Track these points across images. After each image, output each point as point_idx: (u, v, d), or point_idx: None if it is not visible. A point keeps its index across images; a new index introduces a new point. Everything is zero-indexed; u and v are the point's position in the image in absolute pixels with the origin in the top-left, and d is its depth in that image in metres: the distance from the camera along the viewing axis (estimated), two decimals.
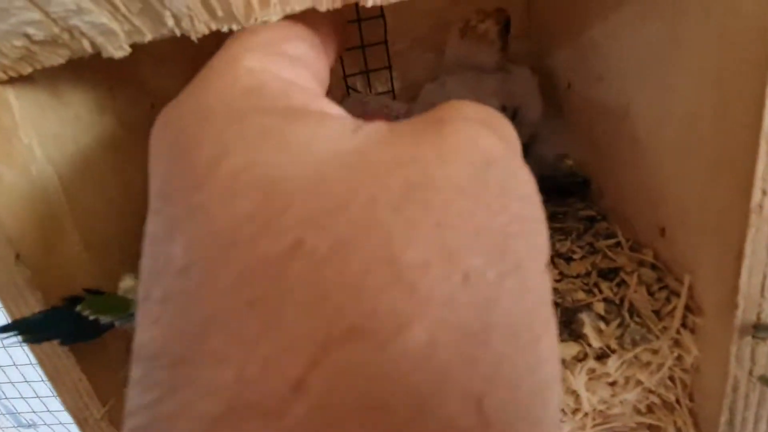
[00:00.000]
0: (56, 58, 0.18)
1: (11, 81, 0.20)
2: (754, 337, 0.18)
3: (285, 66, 0.12)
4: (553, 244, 0.27)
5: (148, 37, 0.17)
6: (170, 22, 0.16)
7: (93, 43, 0.17)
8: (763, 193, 0.15)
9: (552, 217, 0.30)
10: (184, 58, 0.34)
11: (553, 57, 0.37)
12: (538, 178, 0.33)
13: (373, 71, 0.44)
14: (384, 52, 0.43)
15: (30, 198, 0.21)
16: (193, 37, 0.17)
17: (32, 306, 0.21)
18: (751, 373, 0.18)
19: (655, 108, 0.22)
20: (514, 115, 0.30)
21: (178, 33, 0.17)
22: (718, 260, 0.18)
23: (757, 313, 0.17)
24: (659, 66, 0.21)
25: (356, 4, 0.45)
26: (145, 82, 0.29)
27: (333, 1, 0.17)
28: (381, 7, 0.41)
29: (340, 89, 0.44)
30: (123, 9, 0.15)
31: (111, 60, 0.27)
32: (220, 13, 0.16)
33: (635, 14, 0.22)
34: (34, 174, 0.21)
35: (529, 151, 0.32)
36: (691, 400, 0.22)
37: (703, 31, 0.17)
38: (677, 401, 0.22)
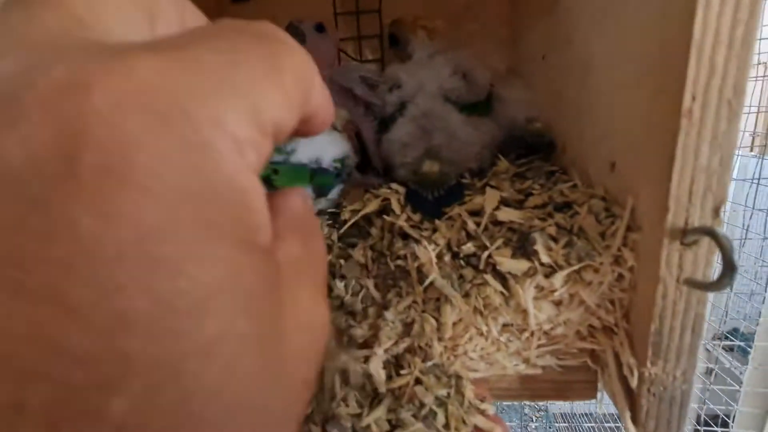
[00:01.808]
0: None
1: None
2: (681, 243, 0.19)
3: None
4: (515, 186, 0.29)
5: None
6: None
7: None
8: (693, 98, 0.17)
9: (517, 172, 0.32)
10: None
11: (532, 33, 0.40)
12: (508, 138, 0.35)
13: (364, 38, 0.46)
14: (377, 21, 0.45)
15: None
16: None
17: None
18: (678, 279, 0.20)
19: (613, 57, 0.25)
20: (464, 75, 0.33)
21: None
22: (656, 173, 0.20)
23: (685, 218, 0.19)
24: (616, 16, 0.24)
25: None
26: None
27: None
28: None
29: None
30: None
31: None
32: None
33: None
34: None
35: (495, 115, 0.35)
36: (628, 321, 0.23)
37: None
38: (616, 324, 0.24)
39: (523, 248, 0.24)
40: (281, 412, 0.09)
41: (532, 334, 0.24)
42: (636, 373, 0.22)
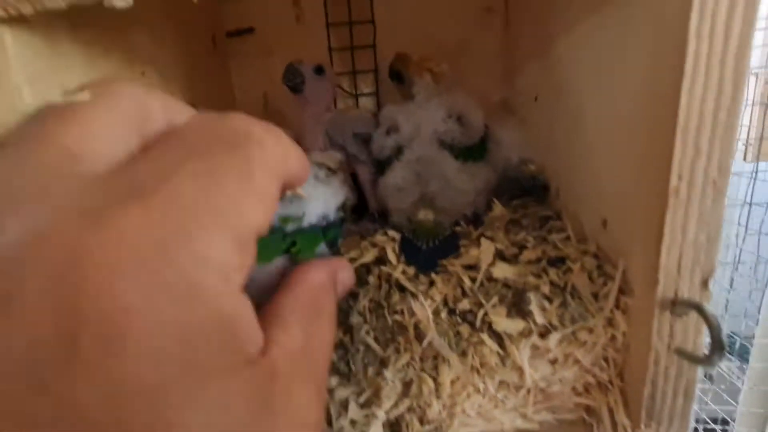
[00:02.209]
0: (58, 1, 0.19)
1: (9, 21, 0.21)
2: (672, 312, 0.20)
3: None
4: (509, 236, 0.29)
5: None
6: None
7: None
8: (679, 177, 0.18)
9: (512, 218, 0.32)
10: (175, 30, 0.35)
11: (524, 74, 0.40)
12: (503, 179, 0.36)
13: (360, 72, 0.46)
14: (371, 56, 0.46)
15: None
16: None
17: None
18: (669, 347, 0.20)
19: (603, 113, 0.25)
20: (458, 119, 0.33)
21: None
22: (646, 243, 0.20)
23: (675, 289, 0.19)
24: (608, 75, 0.24)
25: (349, 7, 0.47)
26: (137, 49, 0.31)
27: None
28: (372, 13, 0.44)
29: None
30: None
31: (106, 22, 0.28)
32: None
33: (593, 28, 0.25)
34: (19, 115, 0.21)
35: (490, 156, 0.35)
36: (622, 380, 0.24)
37: (639, 45, 0.20)
38: (610, 381, 0.24)
39: (518, 307, 0.24)
40: None
41: (528, 391, 0.25)
42: None
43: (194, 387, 0.09)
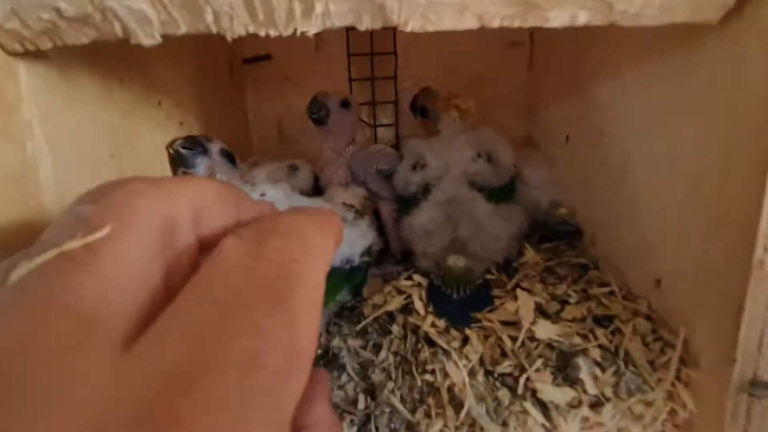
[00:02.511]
0: (81, 37, 0.17)
1: (25, 55, 0.19)
2: (750, 394, 0.18)
3: None
4: (547, 288, 0.28)
5: (183, 30, 0.17)
6: (209, 18, 0.16)
7: (125, 28, 0.17)
8: (765, 249, 0.16)
9: (546, 266, 0.30)
10: (194, 58, 0.34)
11: (551, 112, 0.39)
12: (532, 223, 0.34)
13: (379, 103, 0.45)
14: (392, 87, 0.44)
15: (19, 176, 0.19)
16: (229, 37, 0.17)
17: None
18: (745, 431, 0.18)
19: (658, 166, 0.23)
20: (489, 158, 0.31)
21: (214, 30, 0.17)
22: (717, 314, 0.18)
23: (754, 369, 0.17)
24: (665, 126, 0.23)
25: (371, 37, 0.46)
26: (155, 79, 0.29)
27: (373, 20, 0.17)
28: (394, 44, 0.43)
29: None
30: None
31: (124, 51, 0.27)
32: (261, 16, 0.17)
33: (645, 77, 0.24)
34: (29, 152, 0.20)
35: (518, 197, 0.33)
36: None
37: (710, 99, 0.19)
38: None
39: (565, 373, 0.22)
40: None
41: None
42: None
43: None
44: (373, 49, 0.43)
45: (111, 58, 0.25)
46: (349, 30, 0.42)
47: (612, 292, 0.26)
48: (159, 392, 0.07)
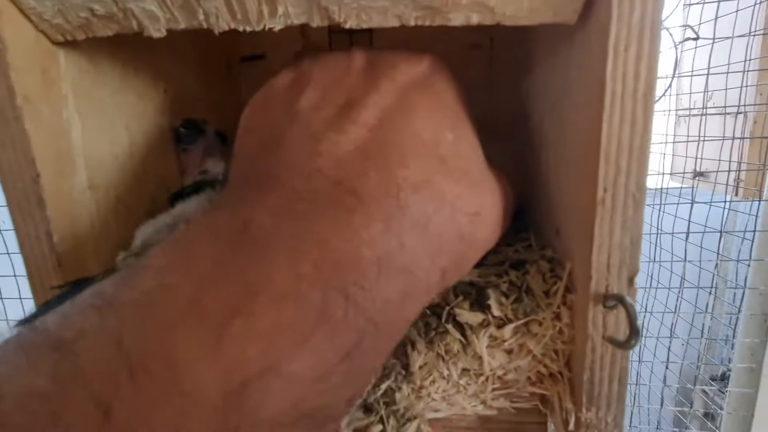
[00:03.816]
0: (107, 30, 0.24)
1: (64, 44, 0.25)
2: (603, 306, 0.23)
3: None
4: None
5: (182, 25, 0.23)
6: (201, 16, 0.23)
7: (139, 24, 0.23)
8: (605, 190, 0.22)
9: None
10: (196, 54, 0.40)
11: (502, 106, 0.45)
12: None
13: None
14: None
15: (57, 134, 0.25)
16: (216, 31, 0.23)
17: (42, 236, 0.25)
18: (603, 336, 0.24)
19: (558, 142, 0.29)
20: None
21: (205, 26, 0.23)
22: (583, 244, 0.24)
23: (605, 285, 0.23)
24: (559, 111, 0.28)
25: (350, 38, 0.52)
26: (162, 69, 0.35)
27: (321, 19, 0.23)
28: (371, 44, 0.49)
29: None
30: (168, 2, 0.22)
31: (137, 46, 0.33)
32: (239, 15, 0.23)
33: (549, 70, 0.30)
34: (64, 117, 0.26)
35: None
36: (570, 370, 0.27)
37: (580, 84, 0.24)
38: (560, 372, 0.27)
39: (478, 302, 0.28)
40: None
41: (487, 378, 0.28)
42: (573, 418, 0.25)
43: None
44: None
45: (128, 51, 0.31)
46: (332, 33, 0.49)
47: (530, 245, 0.31)
48: None
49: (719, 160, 0.82)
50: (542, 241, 0.32)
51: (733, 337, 0.71)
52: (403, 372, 0.27)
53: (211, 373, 0.11)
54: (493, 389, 0.28)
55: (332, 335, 0.13)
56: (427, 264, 0.17)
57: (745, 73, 0.79)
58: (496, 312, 0.26)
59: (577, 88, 0.25)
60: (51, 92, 0.25)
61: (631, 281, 0.23)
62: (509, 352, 0.27)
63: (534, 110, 0.34)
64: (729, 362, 0.72)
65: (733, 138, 0.83)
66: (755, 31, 0.79)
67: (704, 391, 0.83)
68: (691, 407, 0.80)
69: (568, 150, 0.26)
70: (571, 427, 0.25)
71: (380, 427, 0.25)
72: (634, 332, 0.21)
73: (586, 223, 0.23)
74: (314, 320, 0.13)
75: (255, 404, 0.11)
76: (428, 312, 0.29)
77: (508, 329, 0.26)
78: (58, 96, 0.25)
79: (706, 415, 0.83)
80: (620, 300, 0.22)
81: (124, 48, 0.30)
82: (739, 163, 0.80)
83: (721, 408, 0.72)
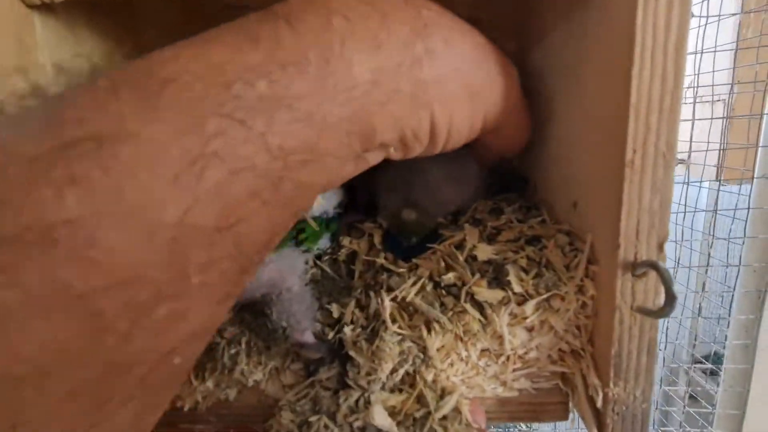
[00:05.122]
0: None
1: (39, 7, 0.23)
2: (632, 274, 0.22)
3: None
4: (492, 223, 0.32)
5: None
6: None
7: None
8: (633, 151, 0.21)
9: (494, 207, 0.34)
10: (183, 31, 0.38)
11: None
12: (485, 174, 0.38)
13: None
14: None
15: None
16: None
17: None
18: (631, 307, 0.23)
19: (572, 112, 0.28)
20: None
21: None
22: (607, 213, 0.23)
23: (634, 253, 0.22)
24: (575, 78, 0.27)
25: None
26: (145, 44, 0.33)
27: None
28: None
29: None
30: None
31: (120, 23, 0.31)
32: None
33: (562, 37, 0.29)
34: (43, 89, 0.23)
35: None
36: (593, 346, 0.26)
37: (600, 47, 0.23)
38: (582, 349, 0.26)
39: (497, 279, 0.26)
40: None
41: (508, 358, 0.26)
42: (600, 394, 0.24)
43: None
44: None
45: (109, 22, 0.29)
46: None
47: (544, 221, 0.30)
48: None
49: (707, 142, 0.83)
50: (556, 216, 0.31)
51: (729, 315, 0.72)
52: (421, 355, 0.26)
53: None
54: (514, 369, 0.27)
55: None
56: None
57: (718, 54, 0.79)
58: (516, 288, 0.25)
59: (598, 49, 0.23)
60: (28, 62, 0.23)
61: (661, 247, 0.22)
62: (530, 329, 0.26)
63: (543, 86, 0.32)
64: (724, 340, 0.74)
65: (712, 119, 0.83)
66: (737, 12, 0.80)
67: (696, 371, 0.84)
68: (688, 387, 0.81)
69: (590, 118, 0.25)
70: (599, 404, 0.24)
71: (417, 405, 0.24)
72: (671, 298, 0.20)
73: (611, 189, 0.22)
74: None
75: None
76: (444, 291, 0.27)
77: (530, 305, 0.25)
78: (36, 66, 0.23)
79: (698, 393, 0.85)
80: (652, 265, 0.21)
81: (104, 16, 0.28)
82: (722, 148, 0.81)
83: (718, 385, 0.74)
